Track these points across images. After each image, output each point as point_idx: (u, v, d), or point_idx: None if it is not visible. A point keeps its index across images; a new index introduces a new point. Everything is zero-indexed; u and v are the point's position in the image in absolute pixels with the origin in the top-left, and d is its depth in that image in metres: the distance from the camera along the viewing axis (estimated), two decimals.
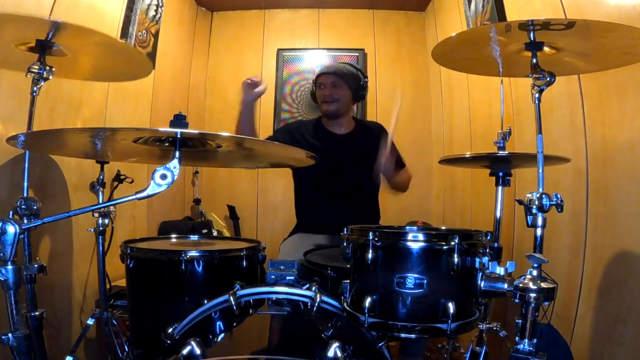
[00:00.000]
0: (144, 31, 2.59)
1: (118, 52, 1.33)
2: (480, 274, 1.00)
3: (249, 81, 1.89)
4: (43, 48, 1.22)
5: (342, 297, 1.10)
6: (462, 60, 1.42)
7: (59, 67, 1.30)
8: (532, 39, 1.12)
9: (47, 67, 1.24)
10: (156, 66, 2.77)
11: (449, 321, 0.94)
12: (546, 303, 0.96)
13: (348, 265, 1.11)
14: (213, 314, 1.18)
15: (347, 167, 2.02)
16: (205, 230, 3.07)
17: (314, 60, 3.61)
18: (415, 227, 1.40)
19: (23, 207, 1.25)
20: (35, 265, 1.27)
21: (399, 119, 1.78)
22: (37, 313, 1.29)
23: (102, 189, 1.74)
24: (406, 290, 0.96)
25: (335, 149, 2.05)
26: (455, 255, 0.96)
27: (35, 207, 1.27)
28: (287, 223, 2.25)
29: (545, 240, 1.07)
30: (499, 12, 2.22)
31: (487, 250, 1.03)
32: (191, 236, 1.85)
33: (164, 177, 0.87)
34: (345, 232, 1.10)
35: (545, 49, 1.16)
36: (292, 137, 2.07)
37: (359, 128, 2.18)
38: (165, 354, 1.05)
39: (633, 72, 1.38)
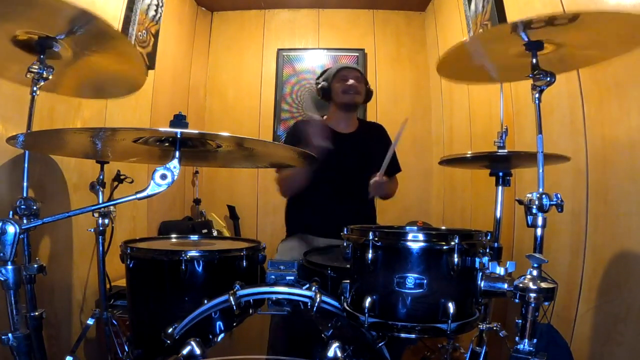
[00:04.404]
0: (144, 31, 2.59)
1: (118, 57, 1.31)
2: (480, 274, 1.00)
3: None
4: (42, 47, 1.21)
5: (342, 297, 1.10)
6: (463, 71, 1.43)
7: (56, 82, 1.30)
8: (526, 39, 1.12)
9: (47, 67, 1.23)
10: (156, 66, 2.77)
11: (449, 321, 0.94)
12: (546, 303, 0.96)
13: (348, 265, 1.11)
14: (213, 314, 1.18)
15: (351, 167, 2.03)
16: (205, 230, 3.08)
17: (314, 60, 3.61)
18: (415, 227, 1.40)
19: (23, 207, 1.25)
20: (35, 265, 1.27)
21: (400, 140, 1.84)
22: (37, 313, 1.29)
23: (102, 189, 1.74)
24: (406, 290, 0.96)
25: (341, 148, 2.06)
26: (455, 255, 0.96)
27: (35, 207, 1.27)
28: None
29: (545, 240, 1.07)
30: (499, 12, 2.21)
31: (487, 250, 1.03)
32: (191, 236, 1.85)
33: (164, 177, 0.87)
34: (345, 232, 1.10)
35: (545, 45, 1.16)
36: (298, 139, 2.08)
37: (362, 128, 2.23)
38: (165, 354, 1.05)
39: (633, 72, 1.38)
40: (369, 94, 2.22)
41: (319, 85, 2.19)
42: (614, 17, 1.05)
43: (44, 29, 1.18)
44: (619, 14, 1.04)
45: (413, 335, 0.96)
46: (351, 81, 2.10)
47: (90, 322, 1.71)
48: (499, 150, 1.35)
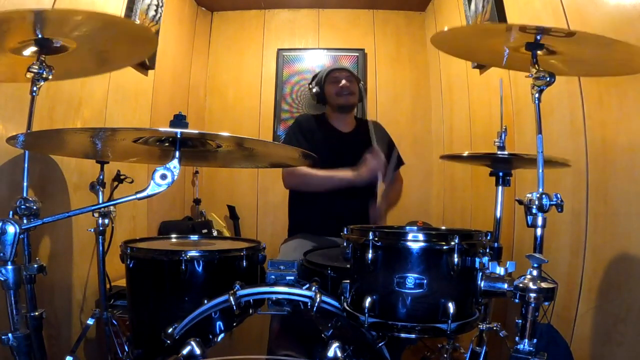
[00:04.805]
0: None
1: (119, 31, 1.29)
2: (480, 274, 1.00)
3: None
4: (42, 47, 1.21)
5: (342, 297, 1.10)
6: (462, 48, 1.42)
7: (61, 66, 1.30)
8: (537, 39, 1.12)
9: (47, 67, 1.23)
10: (156, 66, 2.77)
11: (449, 321, 0.94)
12: (546, 303, 0.96)
13: (348, 265, 1.11)
14: (213, 314, 1.18)
15: (351, 166, 2.03)
16: (205, 230, 3.07)
17: (314, 60, 3.61)
18: (415, 227, 1.40)
19: (23, 207, 1.25)
20: (35, 265, 1.27)
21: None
22: (37, 313, 1.29)
23: (102, 189, 1.74)
24: (406, 290, 0.96)
25: (341, 147, 2.06)
26: (455, 255, 0.96)
27: (35, 207, 1.27)
28: (287, 223, 2.25)
29: (545, 240, 1.07)
30: (499, 12, 2.21)
31: (487, 250, 1.03)
32: (191, 236, 1.85)
33: (164, 177, 0.87)
34: (345, 232, 1.10)
35: (543, 51, 1.16)
36: (303, 135, 2.08)
37: (360, 126, 2.22)
38: (165, 354, 1.05)
39: None
40: (362, 93, 2.20)
41: (313, 90, 2.20)
42: (611, 43, 1.05)
43: (31, 35, 1.17)
44: (618, 42, 1.03)
45: (413, 335, 0.97)
46: (343, 82, 2.10)
47: (90, 322, 1.71)
48: (499, 153, 1.35)
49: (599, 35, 1.06)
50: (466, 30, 1.29)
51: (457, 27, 1.22)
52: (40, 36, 1.18)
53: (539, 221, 1.06)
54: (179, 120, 0.94)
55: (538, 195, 1.05)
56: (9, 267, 0.90)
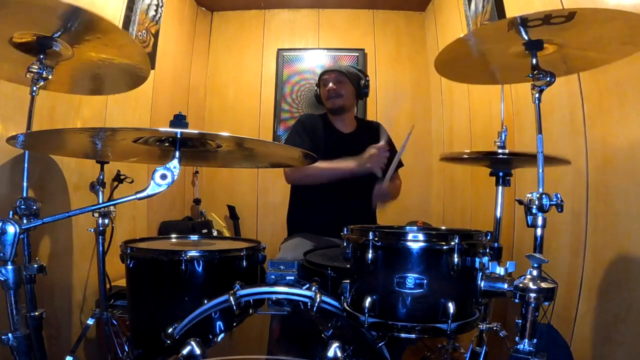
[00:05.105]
0: (144, 31, 2.59)
1: (121, 54, 1.31)
2: (480, 274, 1.01)
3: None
4: (43, 47, 1.21)
5: (342, 297, 1.10)
6: (463, 70, 1.43)
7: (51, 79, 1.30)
8: (527, 37, 1.11)
9: (47, 67, 1.23)
10: (156, 66, 2.77)
11: (449, 321, 0.94)
12: (546, 303, 0.96)
13: (348, 265, 1.11)
14: (213, 314, 1.18)
15: None
16: (205, 230, 3.07)
17: (314, 60, 3.61)
18: (415, 227, 1.40)
19: (23, 207, 1.25)
20: (35, 265, 1.27)
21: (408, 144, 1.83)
22: (37, 313, 1.29)
23: (102, 189, 1.74)
24: (406, 290, 0.96)
25: (342, 148, 2.06)
26: (455, 255, 0.96)
27: (35, 207, 1.27)
28: (287, 223, 2.25)
29: (545, 240, 1.07)
30: (499, 12, 2.22)
31: (487, 250, 1.03)
32: (191, 236, 1.85)
33: (164, 177, 0.87)
34: (345, 232, 1.10)
35: (545, 46, 1.16)
36: (307, 134, 2.09)
37: (361, 127, 2.24)
38: (165, 354, 1.05)
39: (633, 72, 1.38)
40: (361, 90, 2.18)
41: (316, 93, 2.24)
42: (612, 16, 1.05)
43: (39, 29, 1.17)
44: (617, 11, 1.03)
45: (413, 335, 0.97)
46: (330, 85, 2.11)
47: (90, 322, 1.71)
48: (500, 151, 1.35)
49: (600, 8, 1.05)
50: (467, 42, 1.29)
51: (460, 39, 1.22)
52: (57, 35, 1.17)
53: (539, 221, 1.06)
54: (179, 120, 0.94)
55: (538, 195, 1.05)
56: (9, 267, 0.90)
